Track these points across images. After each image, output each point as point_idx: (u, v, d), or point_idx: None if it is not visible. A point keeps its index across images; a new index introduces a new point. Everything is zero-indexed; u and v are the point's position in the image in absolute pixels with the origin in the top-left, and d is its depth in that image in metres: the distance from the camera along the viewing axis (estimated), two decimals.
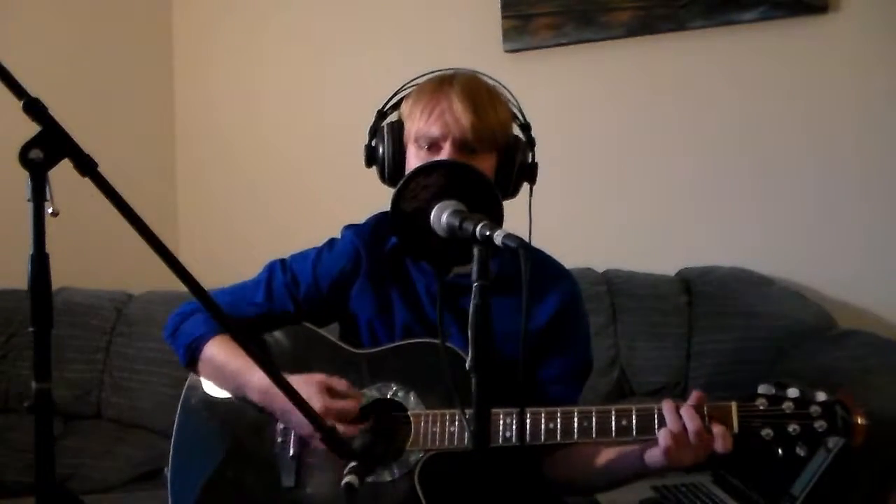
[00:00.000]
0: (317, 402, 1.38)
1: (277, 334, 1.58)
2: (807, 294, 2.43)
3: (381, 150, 1.50)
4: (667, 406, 1.29)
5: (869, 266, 2.47)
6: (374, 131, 1.52)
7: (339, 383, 1.44)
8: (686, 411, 1.27)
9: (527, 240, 1.26)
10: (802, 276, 2.50)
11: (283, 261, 1.62)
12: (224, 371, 1.51)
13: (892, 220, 2.45)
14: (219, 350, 1.52)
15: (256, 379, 1.44)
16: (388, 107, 1.53)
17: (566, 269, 1.60)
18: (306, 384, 1.40)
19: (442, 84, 1.46)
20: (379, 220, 1.58)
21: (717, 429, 1.26)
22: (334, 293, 1.57)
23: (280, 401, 1.38)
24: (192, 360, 1.55)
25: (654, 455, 1.30)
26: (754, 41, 2.56)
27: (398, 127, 1.49)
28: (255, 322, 1.56)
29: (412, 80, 1.51)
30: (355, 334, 1.57)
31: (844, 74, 2.48)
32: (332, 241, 1.62)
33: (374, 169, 1.53)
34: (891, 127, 2.45)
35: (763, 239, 2.59)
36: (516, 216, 1.37)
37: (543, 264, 1.57)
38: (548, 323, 1.51)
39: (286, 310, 1.57)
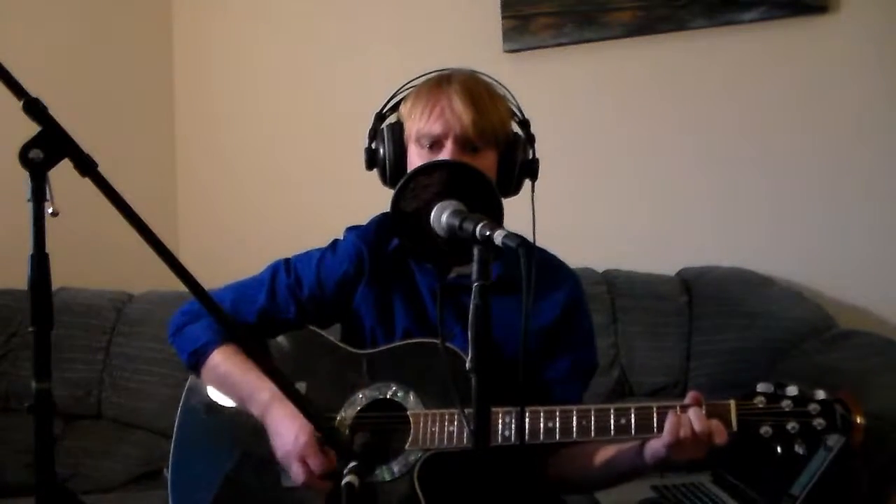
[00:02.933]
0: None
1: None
2: (807, 294, 2.42)
3: (381, 152, 1.49)
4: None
5: (869, 266, 2.46)
6: (374, 134, 1.51)
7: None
8: (692, 413, 1.27)
9: (530, 236, 1.27)
10: (802, 276, 2.50)
11: (287, 261, 1.61)
12: (227, 382, 1.52)
13: (893, 220, 2.45)
14: (223, 360, 1.52)
15: (258, 396, 1.46)
16: (386, 109, 1.52)
17: (571, 268, 1.60)
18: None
19: (440, 83, 1.46)
20: (381, 221, 1.57)
21: (712, 422, 1.26)
22: (338, 295, 1.56)
23: (271, 422, 1.43)
24: (195, 365, 1.56)
25: (654, 447, 1.30)
26: (754, 41, 2.56)
27: (398, 128, 1.49)
28: (257, 324, 1.57)
29: (409, 82, 1.50)
30: (357, 335, 1.57)
31: (844, 74, 2.48)
32: (335, 243, 1.61)
33: (373, 171, 1.53)
34: (891, 127, 2.44)
35: (763, 239, 2.58)
36: (519, 214, 1.37)
37: (548, 263, 1.56)
38: (553, 321, 1.51)
39: (288, 311, 1.57)
